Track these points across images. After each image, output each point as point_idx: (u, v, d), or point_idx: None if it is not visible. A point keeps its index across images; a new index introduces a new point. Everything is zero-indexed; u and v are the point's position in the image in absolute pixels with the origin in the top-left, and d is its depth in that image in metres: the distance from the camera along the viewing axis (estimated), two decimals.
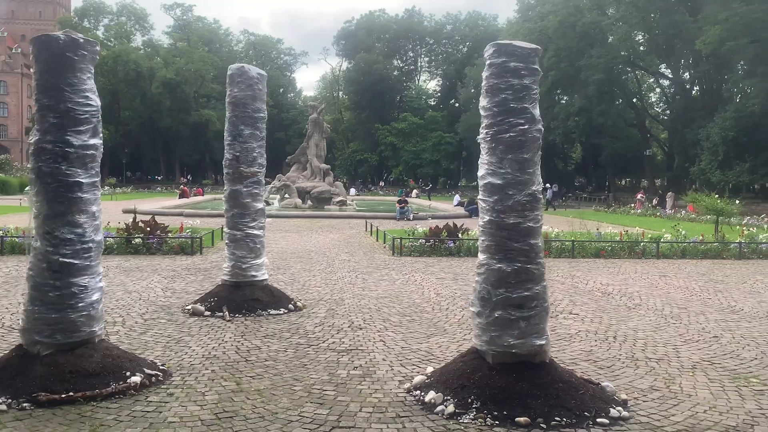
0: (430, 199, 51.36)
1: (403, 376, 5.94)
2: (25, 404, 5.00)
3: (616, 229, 20.11)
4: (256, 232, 9.09)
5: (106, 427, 4.65)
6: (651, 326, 8.23)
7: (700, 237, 17.56)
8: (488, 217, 5.28)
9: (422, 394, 5.30)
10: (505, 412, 4.81)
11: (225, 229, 9.19)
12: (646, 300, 10.09)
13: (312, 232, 21.58)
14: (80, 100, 5.57)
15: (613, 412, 4.91)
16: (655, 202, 41.39)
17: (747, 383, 5.89)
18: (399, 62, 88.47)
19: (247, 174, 8.98)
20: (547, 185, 60.60)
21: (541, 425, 4.68)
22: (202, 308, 8.58)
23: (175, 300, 9.49)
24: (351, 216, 30.19)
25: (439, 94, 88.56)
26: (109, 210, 24.95)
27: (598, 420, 4.80)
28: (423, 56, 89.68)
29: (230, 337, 7.35)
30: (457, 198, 40.48)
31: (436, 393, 5.16)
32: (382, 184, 79.45)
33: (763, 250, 16.69)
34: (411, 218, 28.51)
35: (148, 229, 15.65)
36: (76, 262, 5.52)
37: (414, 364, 6.35)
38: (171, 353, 6.63)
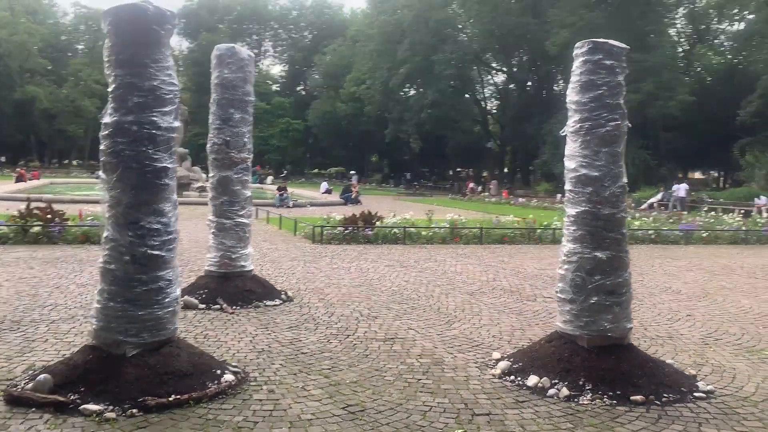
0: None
1: (474, 363, 6.08)
2: (131, 410, 4.57)
3: (483, 215, 21.22)
4: (245, 220, 8.75)
5: (248, 429, 4.39)
6: None
7: None
8: (583, 208, 5.55)
9: (519, 378, 5.49)
10: (618, 392, 5.13)
11: (211, 218, 8.74)
12: None
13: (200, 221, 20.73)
14: (165, 78, 5.13)
15: (701, 386, 5.40)
16: (480, 189, 44.08)
17: (761, 354, 6.65)
18: (244, 45, 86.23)
19: (238, 160, 8.62)
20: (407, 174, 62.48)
21: (655, 402, 5.05)
22: (196, 301, 8.13)
23: None
24: None
25: (284, 79, 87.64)
26: None
27: (695, 394, 5.25)
28: (268, 40, 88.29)
29: (254, 330, 7.08)
30: (324, 185, 40.55)
31: (539, 377, 5.37)
32: None
33: (639, 236, 18.46)
34: (291, 205, 28.27)
35: (48, 216, 14.34)
36: (162, 254, 5.10)
37: (469, 350, 6.49)
38: (211, 350, 6.27)
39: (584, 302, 5.52)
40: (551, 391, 5.21)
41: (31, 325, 6.96)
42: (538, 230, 17.71)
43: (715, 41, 56.76)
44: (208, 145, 8.69)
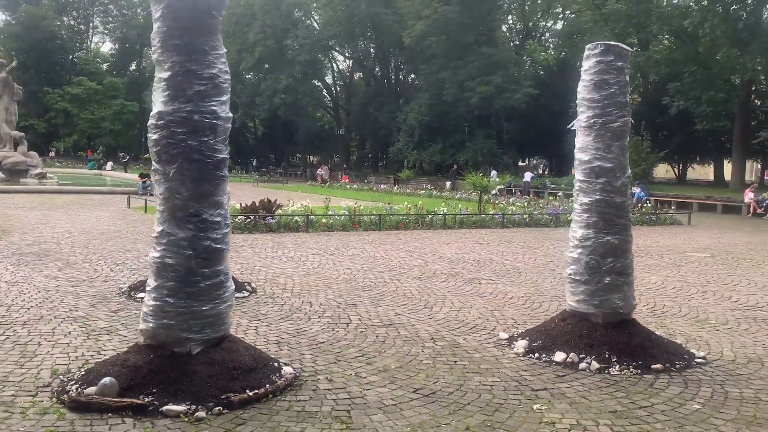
0: (126, 172, 48.55)
1: (488, 343, 6.46)
2: (216, 408, 4.48)
3: (373, 203, 21.77)
4: None
5: (346, 418, 4.47)
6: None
7: (467, 209, 20.18)
8: (597, 197, 6.08)
9: (545, 355, 5.94)
10: (639, 362, 5.73)
11: None
12: (491, 259, 11.67)
13: (75, 209, 19.48)
14: (222, 66, 5.00)
15: (698, 354, 6.15)
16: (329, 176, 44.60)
17: (707, 323, 7.61)
18: (70, 20, 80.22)
19: None
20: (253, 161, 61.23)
21: (672, 370, 5.71)
22: None
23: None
24: (68, 191, 27.23)
25: (115, 58, 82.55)
26: None
27: (696, 360, 5.99)
28: (96, 16, 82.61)
29: (249, 323, 7.00)
30: None
31: (565, 354, 5.85)
32: (52, 154, 71.63)
33: (516, 220, 19.80)
34: (154, 192, 26.98)
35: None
36: (224, 247, 4.98)
37: (471, 332, 6.86)
38: None
39: (598, 283, 6.07)
40: (582, 365, 5.71)
41: None
42: (429, 216, 18.42)
43: (542, 38, 61.09)
44: None
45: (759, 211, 27.43)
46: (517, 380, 5.38)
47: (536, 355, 5.99)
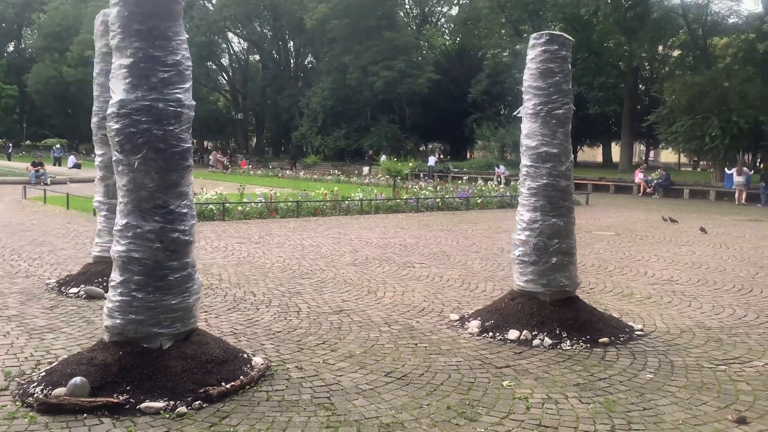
0: (10, 160, 45.82)
1: (440, 324, 6.63)
2: (195, 402, 4.41)
3: (290, 189, 21.68)
4: None
5: (329, 405, 4.51)
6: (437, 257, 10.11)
7: (382, 194, 20.41)
8: (544, 181, 6.34)
9: (498, 334, 6.17)
10: (587, 336, 6.05)
11: (101, 199, 8.06)
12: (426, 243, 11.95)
13: None
14: (184, 53, 4.85)
15: (636, 327, 6.56)
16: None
17: (633, 297, 8.12)
18: None
19: None
20: None
21: (617, 343, 6.07)
22: (101, 290, 7.51)
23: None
24: None
25: None
26: None
27: (636, 333, 6.39)
28: None
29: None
30: (72, 159, 37.13)
31: (519, 332, 6.10)
32: None
33: (429, 204, 20.20)
34: (48, 183, 25.70)
35: None
36: (191, 239, 4.87)
37: (422, 315, 7.02)
38: None
39: (546, 263, 6.35)
40: (535, 342, 5.98)
41: None
42: (346, 202, 18.48)
43: (438, 23, 62.07)
44: (94, 120, 7.97)
45: (648, 190, 29.17)
46: (479, 359, 5.57)
47: (490, 334, 6.21)
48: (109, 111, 4.72)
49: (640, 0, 30.41)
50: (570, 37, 6.49)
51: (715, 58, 31.28)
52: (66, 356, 5.09)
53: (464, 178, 30.81)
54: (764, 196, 24.95)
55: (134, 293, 4.67)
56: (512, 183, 27.52)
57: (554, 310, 6.27)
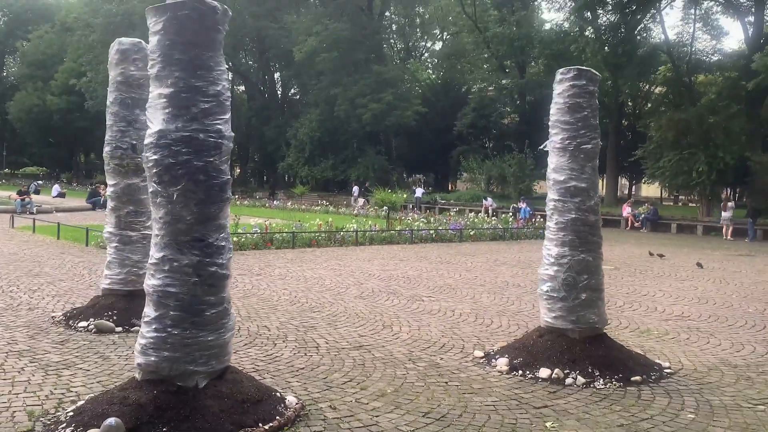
0: None
1: (465, 361, 6.50)
2: None
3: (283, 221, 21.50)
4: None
5: None
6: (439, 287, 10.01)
7: (376, 226, 20.33)
8: (573, 216, 6.29)
9: (529, 372, 6.05)
10: (620, 375, 5.95)
11: (111, 230, 7.87)
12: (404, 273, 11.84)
13: None
14: (225, 83, 4.77)
15: (664, 365, 6.47)
16: None
17: (651, 334, 8.05)
18: None
19: None
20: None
21: (649, 381, 5.97)
22: (111, 324, 7.32)
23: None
24: None
25: None
26: None
27: (666, 371, 6.30)
28: None
29: None
30: (56, 188, 36.68)
31: (550, 370, 5.99)
32: None
33: (423, 235, 20.12)
34: (35, 211, 25.29)
35: None
36: (228, 273, 4.72)
37: (444, 351, 6.88)
38: None
39: (575, 299, 6.27)
40: (568, 380, 5.86)
41: None
42: (341, 233, 18.35)
43: (422, 58, 62.63)
44: (107, 149, 7.82)
45: (636, 224, 29.36)
46: (515, 398, 5.44)
47: (520, 372, 6.08)
48: (147, 141, 4.60)
49: (627, 38, 30.96)
50: (597, 73, 6.49)
51: (699, 95, 31.78)
52: (92, 395, 4.88)
53: (452, 209, 30.85)
54: (752, 231, 25.21)
55: (170, 329, 4.50)
56: (503, 216, 27.59)
57: (584, 348, 6.17)
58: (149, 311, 4.59)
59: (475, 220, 25.44)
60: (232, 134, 4.81)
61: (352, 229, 18.86)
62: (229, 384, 4.67)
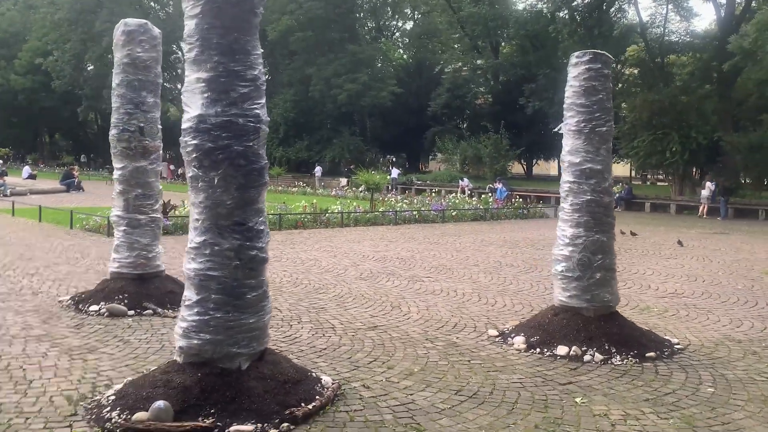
0: None
1: (482, 340, 6.64)
2: (283, 424, 4.30)
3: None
4: (158, 215, 8.02)
5: (415, 426, 4.46)
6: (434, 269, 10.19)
7: (359, 207, 20.38)
8: (588, 197, 6.42)
9: (546, 350, 6.21)
10: (635, 351, 6.13)
11: (120, 213, 7.82)
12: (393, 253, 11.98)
13: None
14: (261, 68, 4.78)
15: (673, 341, 6.68)
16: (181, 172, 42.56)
17: (651, 311, 8.28)
18: None
19: (152, 149, 7.87)
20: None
21: (663, 357, 6.17)
22: (123, 307, 7.30)
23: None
24: None
25: None
26: None
27: (676, 347, 6.51)
28: None
29: None
30: (27, 170, 35.97)
31: (567, 347, 6.15)
32: None
33: (407, 216, 20.24)
34: (8, 194, 24.88)
35: None
36: (267, 256, 4.76)
37: (459, 330, 7.01)
38: None
39: (590, 279, 6.42)
40: (586, 357, 6.02)
41: None
42: (328, 214, 18.38)
43: (393, 37, 62.36)
44: (113, 132, 7.74)
45: None
46: (539, 376, 5.59)
47: (538, 350, 6.23)
48: (185, 126, 4.59)
49: (602, 18, 31.23)
50: (611, 56, 6.61)
51: (671, 76, 32.26)
52: (129, 378, 4.89)
53: (430, 190, 31.03)
54: (724, 209, 25.81)
55: (212, 312, 4.54)
56: (483, 196, 27.82)
57: (600, 326, 6.34)
58: (190, 294, 4.62)
59: (456, 200, 25.64)
60: (268, 119, 4.82)
61: (337, 211, 18.88)
62: (269, 365, 4.73)
